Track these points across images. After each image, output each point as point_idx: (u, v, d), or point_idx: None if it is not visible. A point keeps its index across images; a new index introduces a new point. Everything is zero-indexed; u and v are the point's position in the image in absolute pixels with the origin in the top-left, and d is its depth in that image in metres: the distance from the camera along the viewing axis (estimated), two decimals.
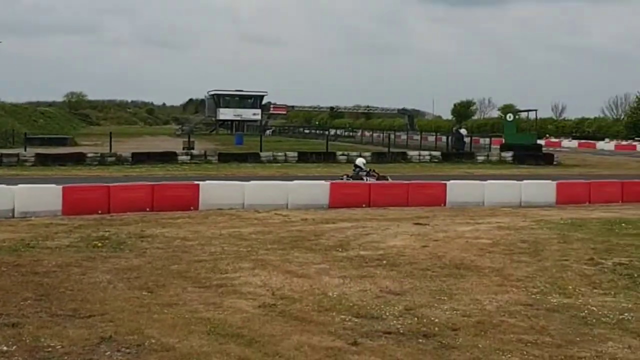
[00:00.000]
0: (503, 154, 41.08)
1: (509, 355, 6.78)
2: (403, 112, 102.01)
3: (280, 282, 9.80)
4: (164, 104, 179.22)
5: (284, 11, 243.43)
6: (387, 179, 23.12)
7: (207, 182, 18.97)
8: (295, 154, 38.35)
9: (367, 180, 22.45)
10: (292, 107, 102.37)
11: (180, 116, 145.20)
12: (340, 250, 12.26)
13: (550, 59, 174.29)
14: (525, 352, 6.87)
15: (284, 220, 16.08)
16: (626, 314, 8.31)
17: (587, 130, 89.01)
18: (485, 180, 21.84)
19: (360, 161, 24.41)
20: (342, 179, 22.57)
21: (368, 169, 23.95)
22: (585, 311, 8.44)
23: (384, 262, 11.21)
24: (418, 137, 56.78)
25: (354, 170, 24.04)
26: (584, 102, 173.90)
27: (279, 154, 38.30)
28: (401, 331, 7.56)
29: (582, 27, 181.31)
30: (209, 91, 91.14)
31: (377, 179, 22.77)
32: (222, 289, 9.33)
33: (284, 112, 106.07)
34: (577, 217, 17.12)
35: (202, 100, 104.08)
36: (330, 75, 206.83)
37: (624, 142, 73.37)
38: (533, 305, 8.67)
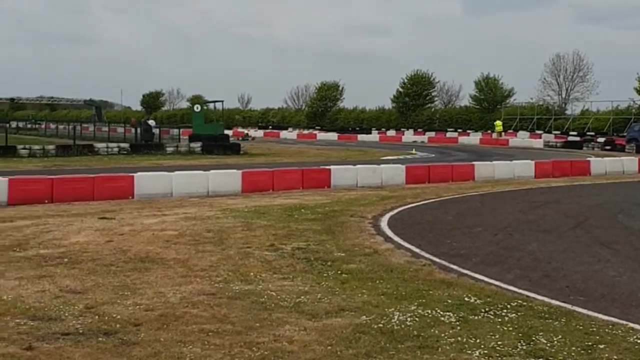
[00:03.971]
0: (192, 144, 41.49)
1: (191, 347, 6.80)
2: (90, 103, 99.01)
3: None
4: None
5: None
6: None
7: None
8: None
9: None
10: None
11: None
12: (17, 250, 11.51)
13: (235, 50, 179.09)
14: (206, 342, 6.93)
15: None
16: (302, 297, 8.72)
17: (271, 120, 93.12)
18: (173, 171, 21.87)
19: None
20: None
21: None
22: (265, 296, 8.72)
23: (65, 260, 10.75)
24: (107, 129, 55.45)
25: None
26: (268, 92, 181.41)
27: None
28: (80, 331, 7.27)
29: (263, 19, 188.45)
30: None
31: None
32: None
33: None
34: (261, 205, 17.77)
35: None
36: (8, 65, 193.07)
37: (305, 131, 77.96)
38: (216, 294, 8.79)
